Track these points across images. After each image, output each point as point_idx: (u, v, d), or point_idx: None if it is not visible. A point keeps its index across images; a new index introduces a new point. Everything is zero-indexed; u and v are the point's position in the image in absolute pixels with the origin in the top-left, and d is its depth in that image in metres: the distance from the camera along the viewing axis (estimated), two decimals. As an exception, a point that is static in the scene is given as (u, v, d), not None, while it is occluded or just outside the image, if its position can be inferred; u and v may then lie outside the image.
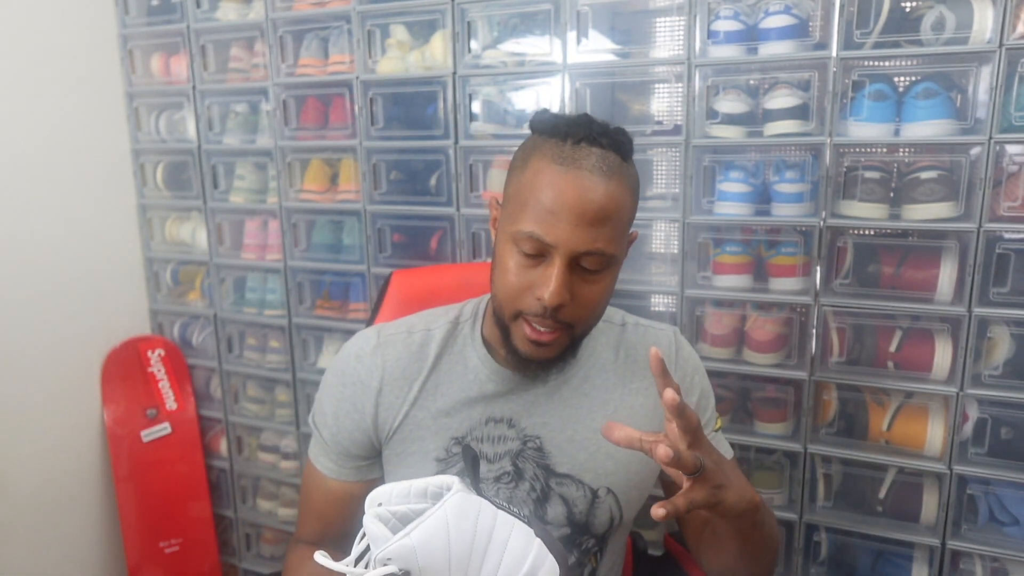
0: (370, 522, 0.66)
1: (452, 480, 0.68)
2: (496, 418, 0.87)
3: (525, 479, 0.86)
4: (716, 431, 0.93)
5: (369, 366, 0.88)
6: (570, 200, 0.75)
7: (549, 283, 0.75)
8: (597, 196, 0.75)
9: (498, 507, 0.68)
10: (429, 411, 0.87)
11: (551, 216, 0.75)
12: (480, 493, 0.68)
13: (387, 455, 0.89)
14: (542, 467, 0.86)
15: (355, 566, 0.67)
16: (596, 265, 0.77)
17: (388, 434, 0.88)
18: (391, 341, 0.89)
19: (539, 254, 0.77)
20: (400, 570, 0.64)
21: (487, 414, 0.87)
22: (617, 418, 0.88)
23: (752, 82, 1.29)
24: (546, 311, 0.77)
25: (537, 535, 0.67)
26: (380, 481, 0.91)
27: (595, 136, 0.78)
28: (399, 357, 0.88)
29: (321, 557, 0.67)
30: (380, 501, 0.69)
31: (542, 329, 0.78)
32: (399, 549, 0.64)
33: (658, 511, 0.63)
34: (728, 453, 0.92)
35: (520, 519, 0.68)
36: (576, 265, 0.77)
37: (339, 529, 0.91)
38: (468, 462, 0.73)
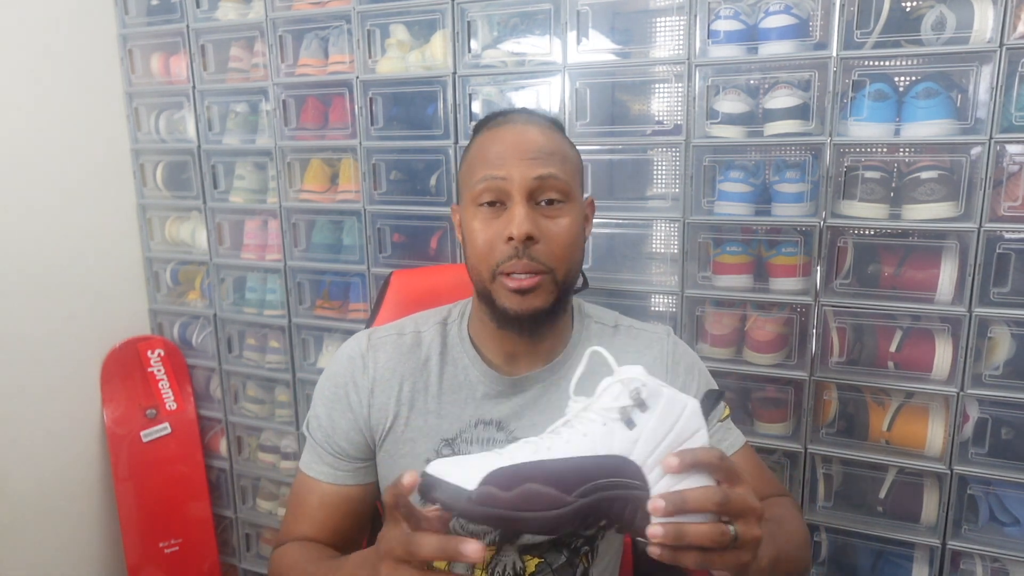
0: (621, 371, 0.64)
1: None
2: (486, 420, 0.87)
3: None
4: (723, 420, 0.92)
5: (361, 367, 0.89)
6: (511, 142, 0.82)
7: (514, 219, 0.79)
8: (536, 136, 0.83)
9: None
10: (419, 412, 0.87)
11: (498, 159, 0.81)
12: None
13: (381, 457, 0.89)
14: None
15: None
16: (554, 194, 0.81)
17: (381, 435, 0.88)
18: (382, 344, 0.90)
19: (499, 201, 0.81)
20: (636, 389, 0.62)
21: (477, 416, 0.87)
22: None
23: (752, 82, 1.29)
24: (518, 249, 0.79)
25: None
26: (375, 486, 0.92)
27: (524, 109, 0.89)
28: (389, 359, 0.89)
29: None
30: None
31: (522, 275, 0.80)
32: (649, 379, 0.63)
33: (653, 550, 0.58)
34: (739, 441, 0.91)
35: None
36: (536, 205, 0.81)
37: (332, 536, 0.89)
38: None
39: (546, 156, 0.81)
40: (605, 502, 0.59)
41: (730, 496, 0.59)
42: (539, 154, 0.81)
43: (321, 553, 0.84)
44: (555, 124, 0.88)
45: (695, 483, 0.61)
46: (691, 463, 0.59)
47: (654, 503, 0.58)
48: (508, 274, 0.80)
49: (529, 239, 0.78)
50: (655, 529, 0.57)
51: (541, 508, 0.58)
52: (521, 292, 0.80)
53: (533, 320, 0.82)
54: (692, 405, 0.63)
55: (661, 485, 0.60)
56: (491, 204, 0.81)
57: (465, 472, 0.59)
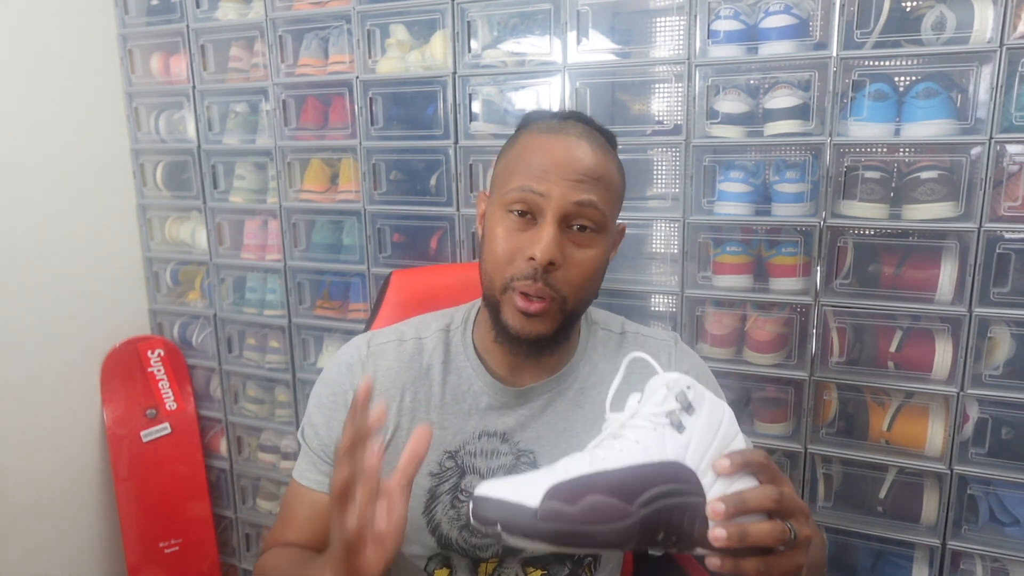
0: (666, 375, 0.64)
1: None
2: (489, 432, 0.86)
3: None
4: None
5: (360, 375, 0.86)
6: (560, 158, 0.77)
7: (540, 240, 0.76)
8: (586, 156, 0.78)
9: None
10: (421, 423, 0.85)
11: (541, 171, 0.77)
12: None
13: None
14: None
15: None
16: (588, 222, 0.78)
17: (381, 447, 0.86)
18: (382, 351, 0.88)
19: (530, 214, 0.78)
20: (682, 392, 0.62)
21: (480, 428, 0.86)
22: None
23: (752, 82, 1.29)
24: (537, 272, 0.76)
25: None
26: None
27: (580, 116, 0.83)
28: (390, 367, 0.87)
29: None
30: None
31: (533, 297, 0.77)
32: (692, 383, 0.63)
33: (713, 561, 0.57)
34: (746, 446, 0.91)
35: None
36: (567, 229, 0.78)
37: (321, 548, 0.87)
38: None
39: (592, 181, 0.77)
40: (665, 511, 0.58)
41: (784, 494, 0.59)
42: (585, 176, 0.77)
43: (303, 554, 0.82)
44: (609, 141, 0.84)
45: (744, 486, 0.60)
46: (742, 464, 0.59)
47: (713, 507, 0.57)
48: (520, 292, 0.78)
49: (551, 264, 0.76)
50: (718, 531, 0.56)
51: (607, 520, 0.56)
52: (527, 315, 0.78)
53: (532, 344, 0.80)
54: (729, 410, 0.63)
55: (715, 489, 0.60)
56: (521, 214, 0.78)
57: (522, 489, 0.57)
